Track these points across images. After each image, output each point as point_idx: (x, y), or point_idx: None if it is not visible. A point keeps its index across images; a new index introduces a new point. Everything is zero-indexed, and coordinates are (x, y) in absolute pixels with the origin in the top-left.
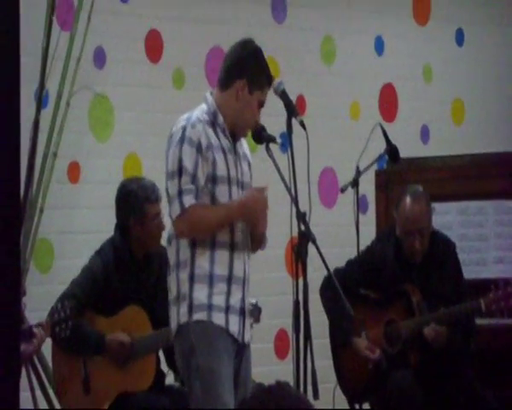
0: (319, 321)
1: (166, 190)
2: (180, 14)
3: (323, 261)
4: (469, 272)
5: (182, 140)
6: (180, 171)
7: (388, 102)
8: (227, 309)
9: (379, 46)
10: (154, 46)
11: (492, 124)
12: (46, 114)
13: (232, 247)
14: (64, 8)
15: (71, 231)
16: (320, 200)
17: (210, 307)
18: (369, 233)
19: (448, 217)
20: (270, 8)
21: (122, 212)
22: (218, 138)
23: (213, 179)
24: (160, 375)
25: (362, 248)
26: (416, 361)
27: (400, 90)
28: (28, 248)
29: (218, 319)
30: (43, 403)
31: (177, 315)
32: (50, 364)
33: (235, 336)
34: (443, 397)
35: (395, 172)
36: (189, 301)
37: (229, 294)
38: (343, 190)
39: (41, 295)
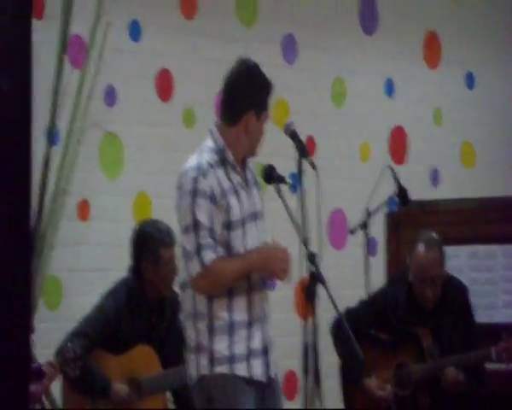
0: (329, 362)
1: (182, 245)
2: (191, 53)
3: (333, 303)
4: (478, 316)
5: (194, 193)
6: (196, 226)
7: (398, 144)
8: (249, 356)
9: (389, 88)
10: (164, 85)
11: (502, 167)
12: (56, 151)
13: (249, 290)
14: (75, 47)
15: (79, 269)
16: (329, 241)
17: (231, 359)
18: (378, 275)
19: (458, 260)
20: (281, 49)
21: (136, 254)
22: (230, 178)
23: (228, 226)
24: None
25: (371, 290)
26: (426, 404)
27: (410, 132)
28: (37, 285)
29: (241, 369)
30: None
31: (197, 366)
32: (58, 401)
33: (260, 379)
34: None
35: (406, 215)
36: (209, 354)
37: (249, 339)
38: (352, 232)
39: (49, 333)
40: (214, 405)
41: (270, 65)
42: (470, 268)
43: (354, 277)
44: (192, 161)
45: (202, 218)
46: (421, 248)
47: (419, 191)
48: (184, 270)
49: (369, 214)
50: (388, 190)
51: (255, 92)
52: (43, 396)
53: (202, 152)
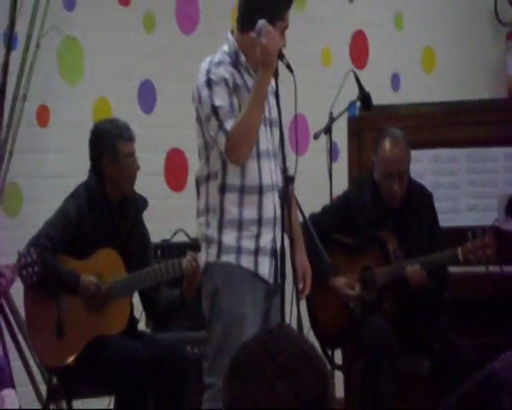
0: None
1: (209, 136)
2: None
3: (299, 208)
4: (442, 220)
5: (208, 82)
6: (214, 109)
7: (359, 49)
8: (256, 251)
9: None
10: None
11: (463, 72)
12: (15, 56)
13: (260, 189)
14: None
15: (40, 176)
16: (291, 146)
17: (239, 250)
18: (340, 181)
19: (420, 165)
20: None
21: (95, 152)
22: (242, 77)
23: None
24: (133, 321)
25: (334, 195)
26: (391, 309)
27: (371, 37)
28: None
29: (247, 262)
30: (12, 348)
31: (206, 255)
32: (20, 308)
33: (266, 278)
34: (417, 345)
35: (367, 119)
36: (217, 244)
37: (258, 236)
38: (316, 137)
39: (9, 240)
40: (220, 292)
41: None
42: (433, 172)
43: (317, 182)
44: (205, 60)
45: (219, 102)
46: (387, 142)
47: (380, 96)
48: (204, 162)
49: (332, 119)
50: (349, 94)
51: (269, 1)
52: (2, 301)
53: (215, 54)
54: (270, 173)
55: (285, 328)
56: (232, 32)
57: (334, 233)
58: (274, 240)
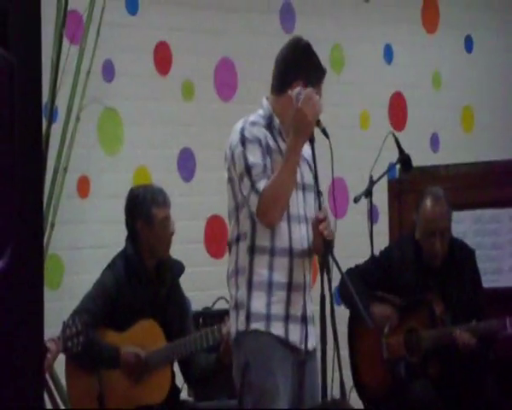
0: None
1: (240, 196)
2: (188, 25)
3: (339, 270)
4: (485, 281)
5: (243, 141)
6: (248, 168)
7: (398, 110)
8: (287, 318)
9: (388, 54)
10: (162, 58)
11: (503, 131)
12: (56, 128)
13: (291, 253)
14: (73, 22)
15: (80, 247)
16: (330, 210)
17: (268, 317)
18: (380, 243)
19: (462, 225)
20: (279, 18)
21: (130, 217)
22: (276, 141)
23: None
24: (175, 390)
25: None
26: (436, 372)
27: (410, 98)
28: None
29: (277, 328)
30: None
31: (236, 323)
32: (63, 381)
33: (297, 346)
34: (463, 408)
35: (408, 182)
36: (246, 310)
37: (288, 303)
38: (356, 201)
39: (51, 312)
40: (250, 366)
41: (269, 34)
42: (475, 233)
43: (357, 245)
44: (238, 122)
45: (253, 160)
46: (428, 201)
47: (419, 157)
48: (234, 224)
49: (372, 182)
50: (389, 157)
51: (305, 64)
52: (46, 373)
53: (249, 116)
54: (301, 238)
55: (338, 403)
56: (267, 99)
57: (379, 285)
58: (304, 307)
